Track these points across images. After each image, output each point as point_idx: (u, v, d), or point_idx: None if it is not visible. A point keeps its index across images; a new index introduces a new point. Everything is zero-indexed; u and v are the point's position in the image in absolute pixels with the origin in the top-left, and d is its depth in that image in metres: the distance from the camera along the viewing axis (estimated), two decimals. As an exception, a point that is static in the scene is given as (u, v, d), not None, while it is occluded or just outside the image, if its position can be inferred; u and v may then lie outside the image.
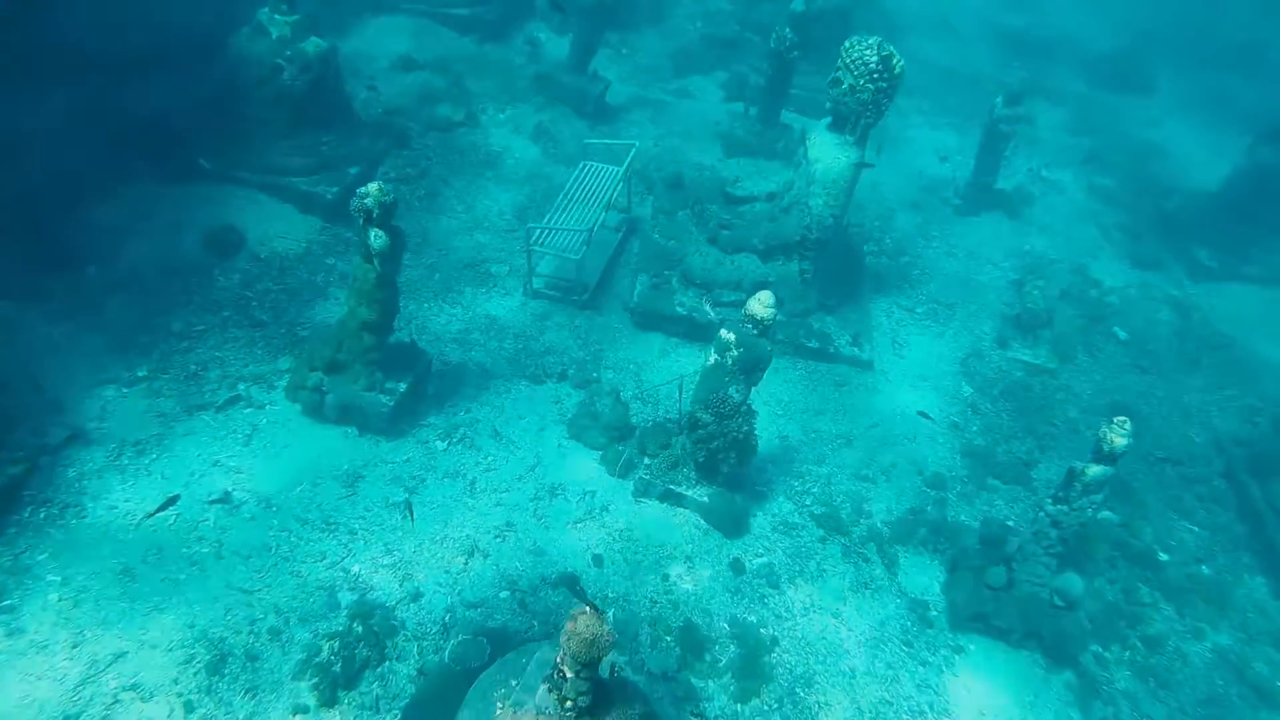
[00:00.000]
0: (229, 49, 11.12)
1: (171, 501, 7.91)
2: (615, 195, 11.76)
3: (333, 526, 8.13)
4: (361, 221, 8.10)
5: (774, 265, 11.10)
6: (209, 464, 8.44)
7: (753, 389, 8.48)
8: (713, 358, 8.43)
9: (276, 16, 10.99)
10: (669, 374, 10.35)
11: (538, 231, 10.91)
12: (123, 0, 11.92)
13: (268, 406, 9.22)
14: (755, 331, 8.19)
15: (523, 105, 14.79)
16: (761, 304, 8.06)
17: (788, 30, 13.22)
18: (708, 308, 10.98)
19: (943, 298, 12.48)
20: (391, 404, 9.03)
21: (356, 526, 8.18)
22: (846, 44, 9.76)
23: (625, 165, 11.84)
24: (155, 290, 10.06)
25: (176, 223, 10.84)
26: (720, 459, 8.59)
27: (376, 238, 8.10)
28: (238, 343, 9.85)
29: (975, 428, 10.63)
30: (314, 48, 11.23)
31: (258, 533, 7.91)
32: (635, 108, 15.61)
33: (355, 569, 7.83)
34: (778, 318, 8.08)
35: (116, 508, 7.84)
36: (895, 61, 9.61)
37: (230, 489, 8.23)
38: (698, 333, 10.92)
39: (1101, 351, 12.08)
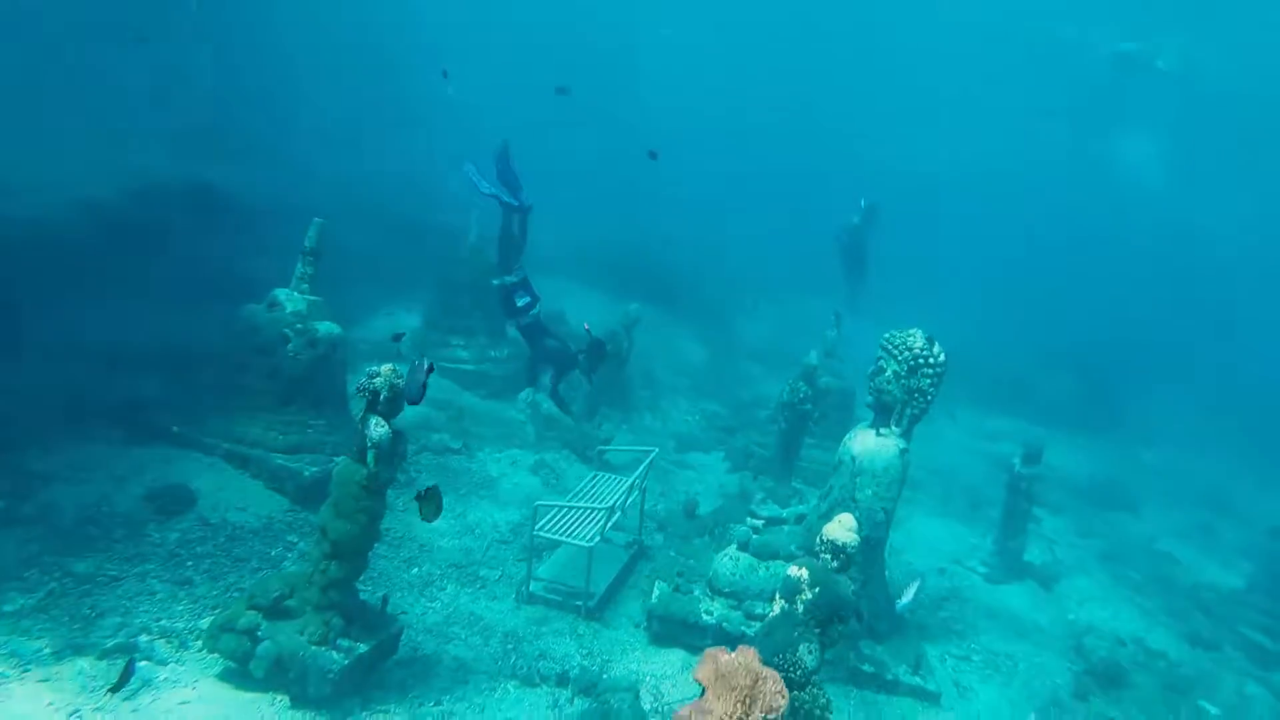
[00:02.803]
0: (239, 319, 10.68)
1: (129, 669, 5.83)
2: (630, 500, 10.54)
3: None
4: (363, 408, 6.90)
5: (813, 577, 9.51)
6: (64, 716, 5.91)
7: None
8: (778, 605, 6.62)
9: (295, 294, 10.77)
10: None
11: (549, 514, 9.49)
12: (129, 311, 12.20)
13: (170, 664, 6.87)
14: (835, 565, 6.58)
15: (521, 450, 14.15)
16: (843, 526, 6.60)
17: (802, 383, 13.27)
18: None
19: (998, 649, 10.68)
20: (345, 664, 6.76)
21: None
22: (887, 334, 9.62)
23: (645, 466, 10.86)
24: (67, 532, 8.18)
25: (120, 477, 9.30)
26: (791, 750, 6.24)
27: (378, 426, 6.82)
28: (154, 597, 7.73)
29: (1089, 785, 8.23)
30: (326, 329, 10.84)
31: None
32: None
33: None
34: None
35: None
36: (937, 349, 9.38)
37: (82, 745, 5.65)
38: (729, 646, 8.88)
39: (1197, 725, 10.03)
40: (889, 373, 9.47)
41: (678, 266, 27.35)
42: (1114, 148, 34.92)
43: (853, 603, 6.58)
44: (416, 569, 9.63)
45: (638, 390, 18.35)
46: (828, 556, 6.57)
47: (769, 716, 2.90)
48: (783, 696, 2.99)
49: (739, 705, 2.88)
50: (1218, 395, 26.60)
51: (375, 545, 7.31)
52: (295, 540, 9.37)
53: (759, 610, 9.26)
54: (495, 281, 11.07)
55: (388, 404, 6.89)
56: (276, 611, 6.95)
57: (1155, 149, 33.65)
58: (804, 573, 6.54)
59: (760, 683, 2.94)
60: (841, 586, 6.49)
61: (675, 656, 8.98)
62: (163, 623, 7.37)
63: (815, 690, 6.38)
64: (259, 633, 6.79)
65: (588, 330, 11.27)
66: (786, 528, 10.68)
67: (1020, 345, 26.56)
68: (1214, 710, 10.41)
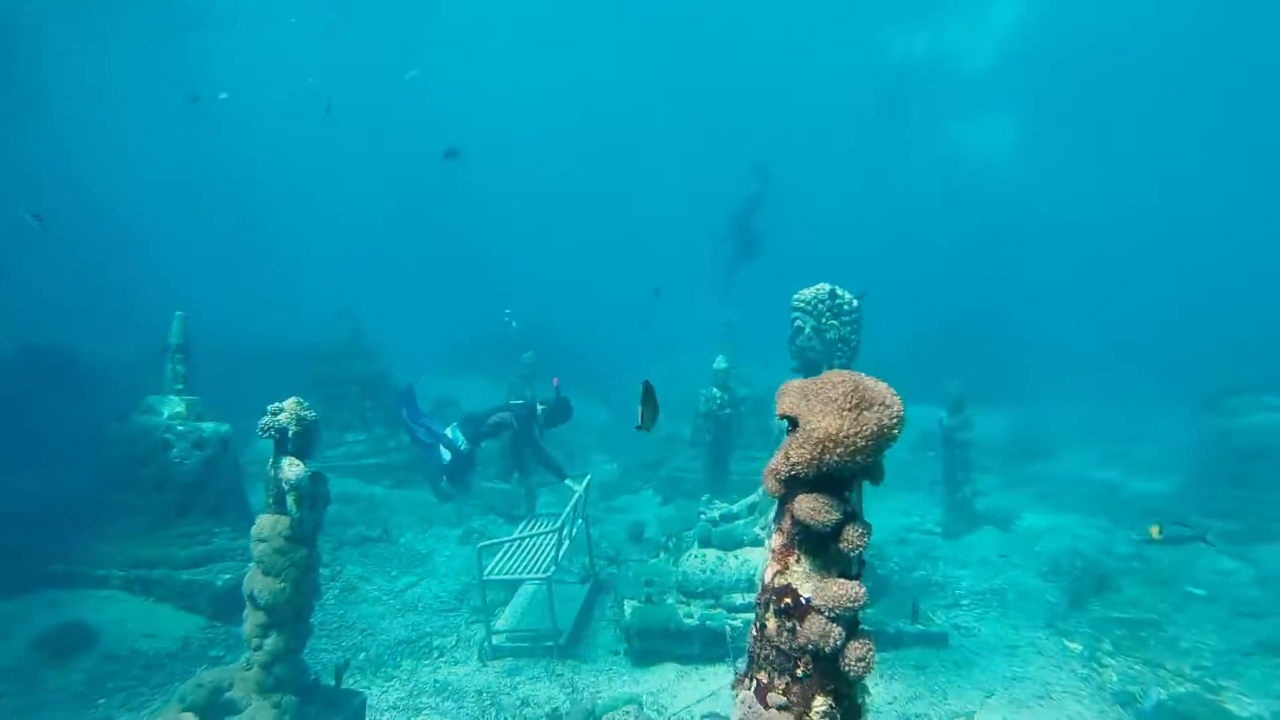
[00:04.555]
0: (106, 436, 9.64)
1: None
2: (576, 526, 9.89)
3: None
4: (273, 449, 6.16)
5: (786, 553, 9.07)
6: None
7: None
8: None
9: (170, 397, 9.82)
10: (698, 698, 7.53)
11: (495, 554, 8.74)
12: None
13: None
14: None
15: (443, 527, 13.24)
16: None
17: (715, 389, 13.01)
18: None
19: (982, 589, 10.43)
20: (308, 746, 5.83)
21: None
22: (796, 294, 9.46)
23: (583, 488, 10.23)
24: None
25: (3, 632, 8.04)
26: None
27: (291, 465, 6.08)
28: (61, 744, 6.57)
29: (1116, 678, 7.93)
30: (212, 428, 9.90)
31: None
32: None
33: None
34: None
35: None
36: (847, 294, 9.29)
37: None
38: (718, 647, 8.29)
39: (1189, 608, 9.96)
40: (808, 330, 9.27)
41: (553, 334, 27.05)
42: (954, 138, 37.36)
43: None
44: (364, 653, 8.64)
45: (550, 450, 17.66)
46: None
47: (887, 415, 2.37)
48: (892, 393, 2.46)
49: (847, 414, 2.32)
50: (1101, 349, 27.94)
51: (314, 607, 6.44)
52: (221, 654, 8.28)
53: (739, 602, 8.70)
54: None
55: (298, 440, 6.17)
56: (215, 708, 5.98)
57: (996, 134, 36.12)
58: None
59: (861, 384, 2.41)
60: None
61: (666, 670, 8.28)
62: (74, 769, 6.23)
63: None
64: (196, 737, 5.79)
65: (556, 385, 11.90)
66: (740, 521, 10.25)
67: (905, 334, 27.23)
68: (1200, 591, 10.40)
